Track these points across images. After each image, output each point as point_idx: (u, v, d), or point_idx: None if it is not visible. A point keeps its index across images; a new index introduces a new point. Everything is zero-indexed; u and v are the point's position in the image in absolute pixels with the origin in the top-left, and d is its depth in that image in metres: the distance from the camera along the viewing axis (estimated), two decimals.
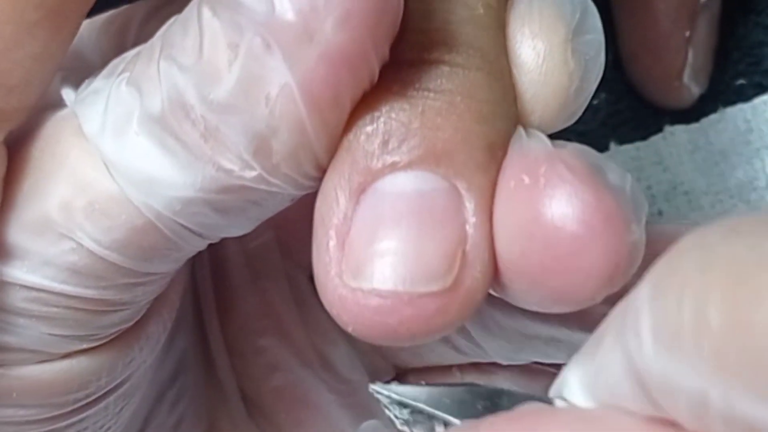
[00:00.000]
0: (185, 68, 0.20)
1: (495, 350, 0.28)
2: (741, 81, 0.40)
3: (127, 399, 0.26)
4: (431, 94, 0.21)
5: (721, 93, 0.40)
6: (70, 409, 0.24)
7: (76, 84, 0.24)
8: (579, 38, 0.22)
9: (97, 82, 0.23)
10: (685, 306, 0.15)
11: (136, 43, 0.27)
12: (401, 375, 0.32)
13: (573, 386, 0.19)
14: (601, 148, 0.42)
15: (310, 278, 0.30)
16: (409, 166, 0.21)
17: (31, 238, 0.22)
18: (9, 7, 0.21)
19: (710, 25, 0.38)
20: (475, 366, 0.30)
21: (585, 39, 0.23)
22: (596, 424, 0.17)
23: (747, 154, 0.40)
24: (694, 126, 0.41)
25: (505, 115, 0.22)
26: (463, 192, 0.21)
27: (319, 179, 0.21)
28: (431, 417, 0.20)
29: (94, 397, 0.25)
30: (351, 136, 0.21)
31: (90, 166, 0.22)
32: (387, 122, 0.21)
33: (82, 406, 0.25)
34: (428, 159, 0.21)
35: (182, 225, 0.22)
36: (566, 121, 0.23)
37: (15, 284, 0.22)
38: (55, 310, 0.22)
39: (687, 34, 0.38)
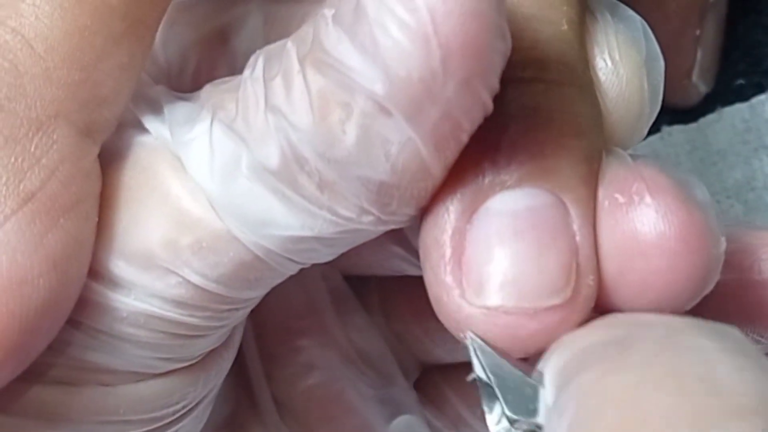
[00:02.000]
0: (297, 126, 0.21)
1: None
2: (740, 81, 0.40)
3: (212, 404, 0.27)
4: (531, 112, 0.22)
5: (720, 93, 0.40)
6: (169, 420, 0.25)
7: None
8: (649, 64, 0.24)
9: (197, 122, 0.23)
10: None
11: (164, 44, 0.27)
12: (428, 371, 0.32)
13: None
14: None
15: (345, 277, 0.31)
16: (518, 183, 0.21)
17: (136, 271, 0.22)
18: (97, 20, 0.21)
19: (717, 25, 0.39)
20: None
21: (653, 65, 0.24)
22: None
23: (745, 154, 0.40)
24: (692, 126, 0.41)
25: (597, 128, 0.23)
26: (569, 205, 0.21)
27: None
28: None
29: (189, 407, 0.25)
30: (460, 157, 0.21)
31: (194, 204, 0.22)
32: (493, 143, 0.21)
33: (179, 417, 0.25)
34: (535, 175, 0.21)
35: (288, 258, 0.23)
36: (638, 139, 0.24)
37: (123, 309, 0.23)
38: (160, 335, 0.23)
39: (697, 33, 0.38)
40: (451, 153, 0.21)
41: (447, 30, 0.19)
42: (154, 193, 0.22)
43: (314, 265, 0.29)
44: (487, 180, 0.21)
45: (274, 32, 0.25)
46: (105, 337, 0.23)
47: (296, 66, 0.21)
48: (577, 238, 0.21)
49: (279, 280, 0.24)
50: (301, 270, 0.27)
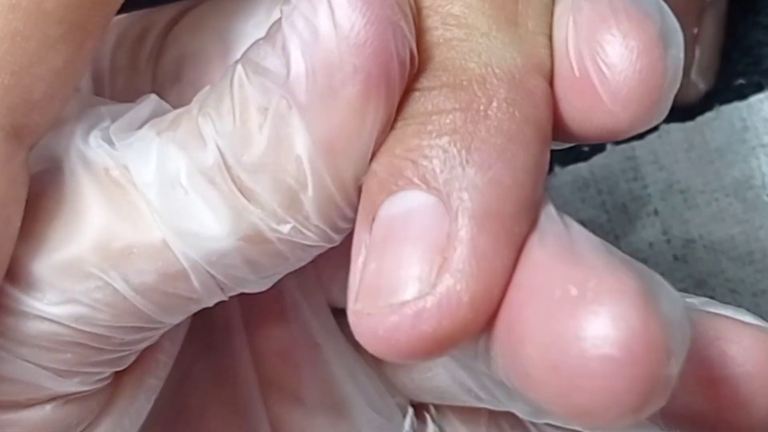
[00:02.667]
0: (221, 132, 0.22)
1: (515, 407, 0.28)
2: (740, 81, 0.40)
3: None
4: (404, 122, 0.22)
5: (719, 92, 0.40)
6: None
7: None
8: (667, 35, 0.23)
9: (145, 131, 0.23)
10: None
11: (151, 52, 0.28)
12: (420, 409, 0.31)
13: None
14: (598, 147, 0.41)
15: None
16: (396, 188, 0.21)
17: (58, 274, 0.22)
18: (31, 23, 0.21)
19: (717, 23, 0.38)
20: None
21: (672, 36, 0.23)
22: None
23: (743, 152, 0.40)
24: (689, 124, 0.41)
25: (481, 117, 0.22)
26: (448, 200, 0.21)
27: (346, 231, 0.23)
28: None
29: None
30: (364, 180, 0.22)
31: (131, 211, 0.23)
32: (379, 159, 0.22)
33: None
34: (411, 178, 0.21)
35: (212, 276, 0.23)
36: (658, 118, 0.23)
37: (31, 314, 0.23)
38: (61, 341, 0.23)
39: (695, 31, 0.37)
40: (346, 166, 0.21)
41: (342, 22, 0.20)
42: (91, 201, 0.23)
43: (319, 296, 0.29)
44: (377, 193, 0.22)
45: None
46: (6, 342, 0.23)
47: (227, 81, 0.22)
48: (448, 234, 0.20)
49: (195, 307, 0.24)
50: (305, 303, 0.27)
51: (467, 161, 0.21)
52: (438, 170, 0.21)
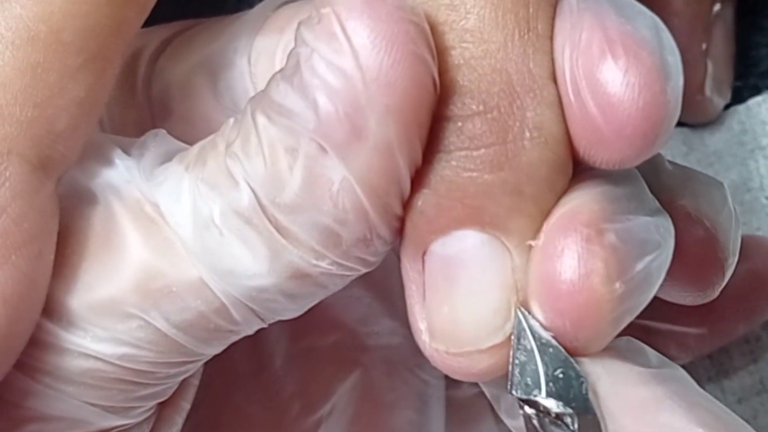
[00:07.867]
0: (251, 174, 0.22)
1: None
2: (737, 83, 0.40)
3: None
4: (444, 156, 0.22)
5: None
6: None
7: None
8: (666, 63, 0.22)
9: (173, 168, 0.23)
10: None
11: (146, 82, 0.28)
12: None
13: None
14: None
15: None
16: (447, 228, 0.22)
17: (99, 314, 0.23)
18: (51, 54, 0.22)
19: (726, 34, 0.38)
20: None
21: (671, 62, 0.22)
22: None
23: (741, 155, 0.40)
24: (688, 127, 0.40)
25: (520, 149, 0.22)
26: (503, 239, 0.22)
27: (384, 254, 0.23)
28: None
29: None
30: (408, 212, 0.23)
31: (167, 250, 0.23)
32: (424, 196, 0.22)
33: None
34: (463, 219, 0.22)
35: (252, 309, 0.23)
36: (661, 146, 0.23)
37: (75, 351, 0.23)
38: (106, 377, 0.23)
39: (704, 46, 0.37)
40: (388, 198, 0.22)
41: (368, 63, 0.20)
42: (128, 241, 0.23)
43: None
44: (426, 231, 0.22)
45: (260, 66, 0.26)
46: (49, 379, 0.23)
47: (250, 120, 0.22)
48: (513, 272, 0.22)
49: (235, 338, 0.24)
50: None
51: (512, 197, 0.22)
52: (489, 210, 0.22)
